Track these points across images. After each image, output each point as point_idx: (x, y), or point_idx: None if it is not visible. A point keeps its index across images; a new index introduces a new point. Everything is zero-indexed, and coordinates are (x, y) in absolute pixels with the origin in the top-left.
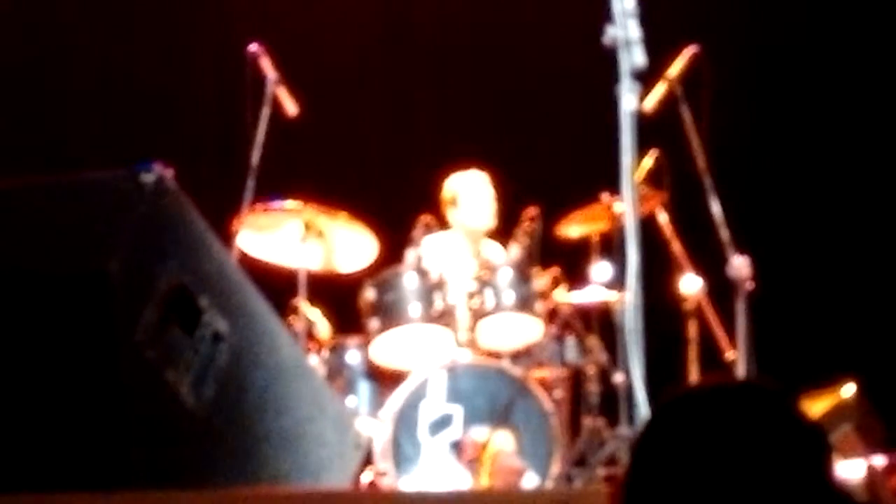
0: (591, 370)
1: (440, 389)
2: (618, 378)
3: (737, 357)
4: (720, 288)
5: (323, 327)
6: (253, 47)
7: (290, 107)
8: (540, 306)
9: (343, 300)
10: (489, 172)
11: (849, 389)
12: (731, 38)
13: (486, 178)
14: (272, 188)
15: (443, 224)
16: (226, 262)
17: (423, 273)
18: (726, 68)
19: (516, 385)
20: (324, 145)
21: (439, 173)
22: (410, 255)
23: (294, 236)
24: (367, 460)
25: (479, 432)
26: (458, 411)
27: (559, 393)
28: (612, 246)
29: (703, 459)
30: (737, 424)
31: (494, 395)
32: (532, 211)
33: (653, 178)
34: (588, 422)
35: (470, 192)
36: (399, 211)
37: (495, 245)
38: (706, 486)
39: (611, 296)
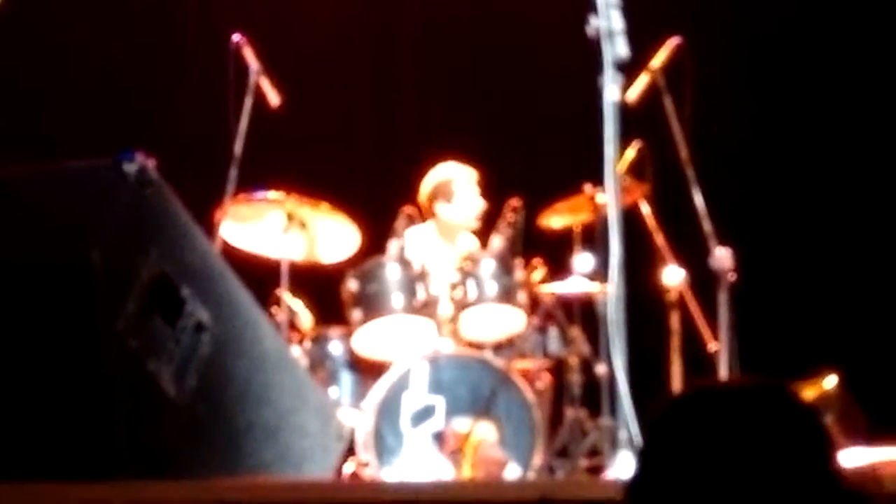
0: (573, 361)
1: (422, 380)
2: (600, 369)
3: (719, 348)
4: (703, 279)
5: (305, 318)
6: (236, 37)
7: (273, 97)
8: (522, 297)
9: (325, 291)
10: (471, 163)
11: (831, 381)
12: (714, 29)
13: (475, 175)
14: (255, 178)
15: (424, 214)
16: (208, 253)
17: (405, 264)
18: (709, 59)
19: (499, 376)
20: (307, 136)
21: (422, 164)
22: (393, 245)
23: (277, 227)
24: (350, 451)
25: (462, 423)
26: (440, 402)
27: (541, 384)
28: (594, 237)
29: (713, 462)
30: (749, 426)
31: (477, 385)
32: (514, 202)
33: (635, 170)
34: (570, 413)
35: (464, 185)
36: (381, 201)
37: (473, 238)
38: (717, 490)
39: (593, 287)
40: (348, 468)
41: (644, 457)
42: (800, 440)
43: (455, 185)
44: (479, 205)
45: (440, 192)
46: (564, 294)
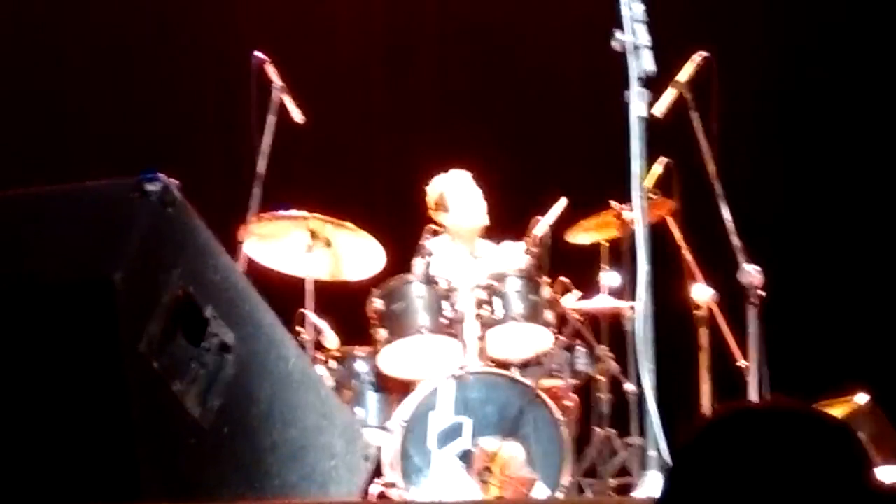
0: (601, 379)
1: (449, 400)
2: (628, 387)
3: (748, 366)
4: (731, 296)
5: (331, 337)
6: (258, 55)
7: (297, 114)
8: (549, 315)
9: (350, 309)
10: (496, 180)
11: (862, 398)
12: (741, 43)
13: (469, 176)
14: (278, 196)
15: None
16: (232, 272)
17: (431, 282)
18: (736, 73)
19: (526, 395)
20: (330, 153)
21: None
22: (418, 263)
23: (301, 245)
24: (376, 471)
25: (489, 442)
26: (467, 421)
27: (569, 402)
28: (621, 254)
29: (746, 482)
30: (782, 445)
31: (504, 404)
32: (540, 219)
33: (663, 185)
34: (598, 431)
35: (456, 192)
36: (406, 219)
37: (490, 244)
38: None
39: (621, 304)
40: (374, 489)
41: (674, 478)
42: (835, 457)
43: (447, 194)
44: (477, 204)
45: (438, 206)
46: (592, 312)
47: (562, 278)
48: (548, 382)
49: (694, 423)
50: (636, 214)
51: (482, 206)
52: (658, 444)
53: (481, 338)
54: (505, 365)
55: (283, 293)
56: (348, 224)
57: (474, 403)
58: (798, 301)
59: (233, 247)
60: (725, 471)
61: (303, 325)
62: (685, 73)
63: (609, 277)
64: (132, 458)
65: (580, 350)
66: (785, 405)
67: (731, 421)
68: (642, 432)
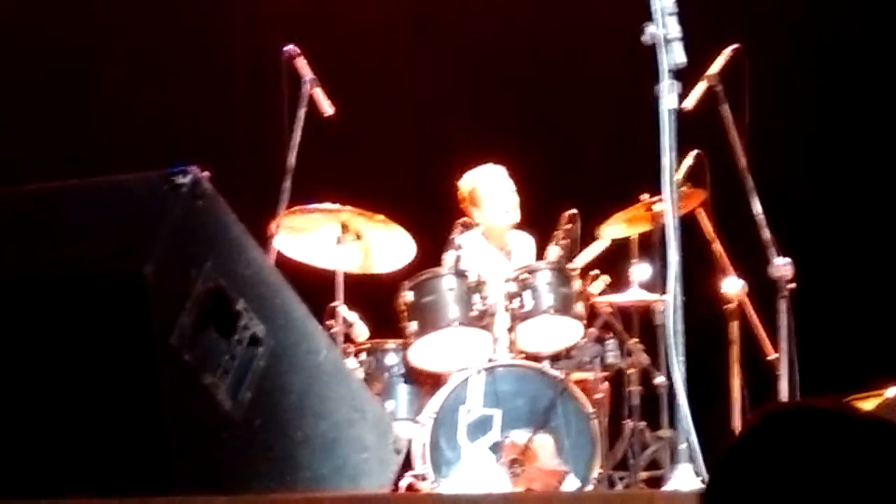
0: (631, 372)
1: (479, 392)
2: (659, 380)
3: (779, 359)
4: (762, 289)
5: (361, 330)
6: (288, 48)
7: (327, 107)
8: (579, 308)
9: (381, 302)
10: (527, 173)
11: (892, 391)
12: (773, 35)
13: (503, 171)
14: (309, 189)
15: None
16: (263, 265)
17: (461, 275)
18: (767, 65)
19: (556, 387)
20: (361, 146)
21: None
22: (449, 256)
23: (331, 238)
24: (406, 464)
25: (519, 435)
26: (497, 414)
27: (599, 395)
28: (652, 246)
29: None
30: (825, 452)
31: (534, 397)
32: (571, 212)
33: (693, 178)
34: (629, 424)
35: (488, 188)
36: (437, 211)
37: (522, 235)
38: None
39: (651, 297)
40: (405, 481)
41: (713, 489)
42: (877, 455)
43: (480, 190)
44: (509, 200)
45: (470, 201)
46: (622, 304)
47: (593, 271)
48: (578, 375)
49: (730, 435)
50: (666, 207)
51: (515, 202)
52: (688, 437)
53: (511, 330)
54: (535, 357)
55: (314, 286)
56: (379, 216)
57: (504, 396)
58: (829, 293)
59: (264, 240)
60: (766, 477)
61: (333, 318)
62: (716, 65)
63: (640, 270)
64: (164, 450)
65: (611, 343)
66: (821, 405)
67: (770, 425)
68: (673, 425)
